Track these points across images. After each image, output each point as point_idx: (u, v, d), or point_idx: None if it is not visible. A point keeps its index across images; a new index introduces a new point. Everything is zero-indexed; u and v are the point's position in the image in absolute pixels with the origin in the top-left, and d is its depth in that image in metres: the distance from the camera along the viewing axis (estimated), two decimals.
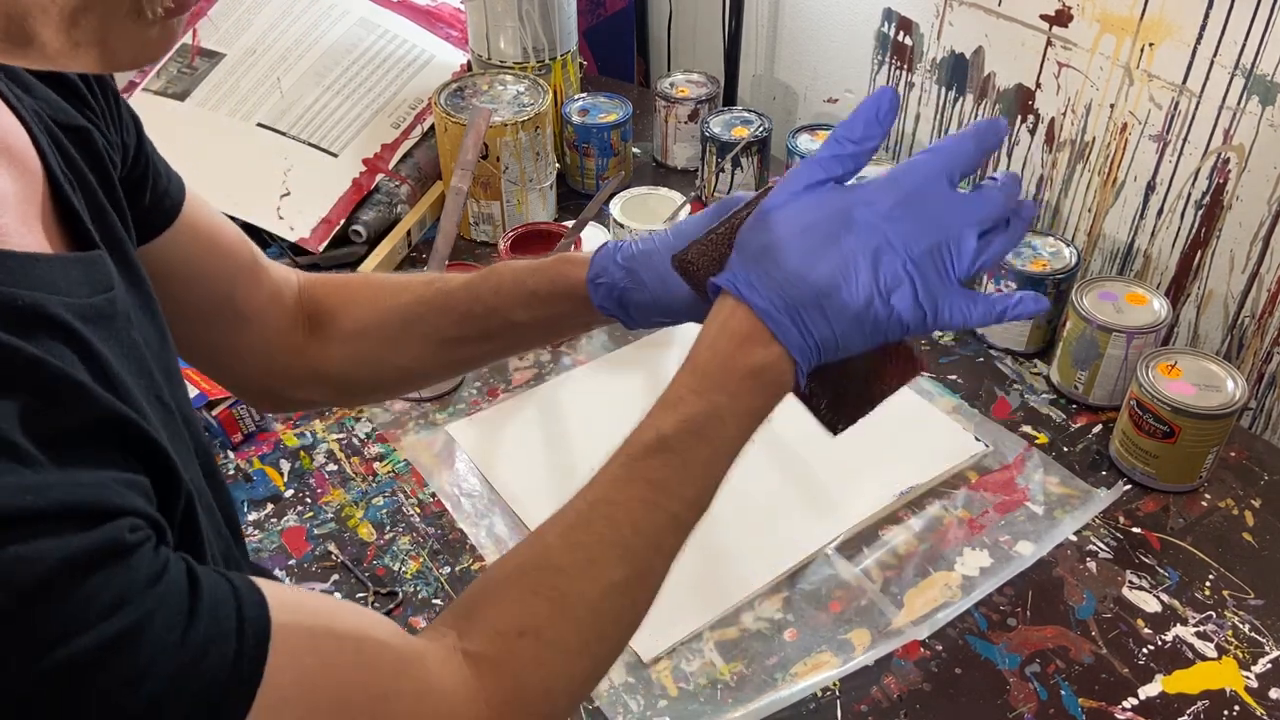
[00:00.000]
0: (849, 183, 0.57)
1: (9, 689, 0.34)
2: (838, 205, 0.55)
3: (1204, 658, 0.85)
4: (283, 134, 1.29)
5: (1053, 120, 1.23)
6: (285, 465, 1.02)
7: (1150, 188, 1.16)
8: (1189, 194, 1.13)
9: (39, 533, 0.35)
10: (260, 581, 0.43)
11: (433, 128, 1.33)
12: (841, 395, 0.62)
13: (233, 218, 1.25)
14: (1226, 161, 1.08)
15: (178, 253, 0.64)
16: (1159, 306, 1.05)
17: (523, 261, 0.70)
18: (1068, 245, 1.14)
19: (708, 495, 0.57)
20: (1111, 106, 1.16)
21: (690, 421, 0.55)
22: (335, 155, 1.30)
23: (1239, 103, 1.05)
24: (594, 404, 1.08)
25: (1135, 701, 0.82)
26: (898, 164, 0.57)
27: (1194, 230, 1.14)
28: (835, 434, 0.64)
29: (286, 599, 0.44)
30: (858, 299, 0.54)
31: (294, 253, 1.25)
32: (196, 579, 0.40)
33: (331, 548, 0.94)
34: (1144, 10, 1.09)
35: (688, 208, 1.22)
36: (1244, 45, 1.02)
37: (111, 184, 0.54)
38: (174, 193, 0.63)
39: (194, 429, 0.55)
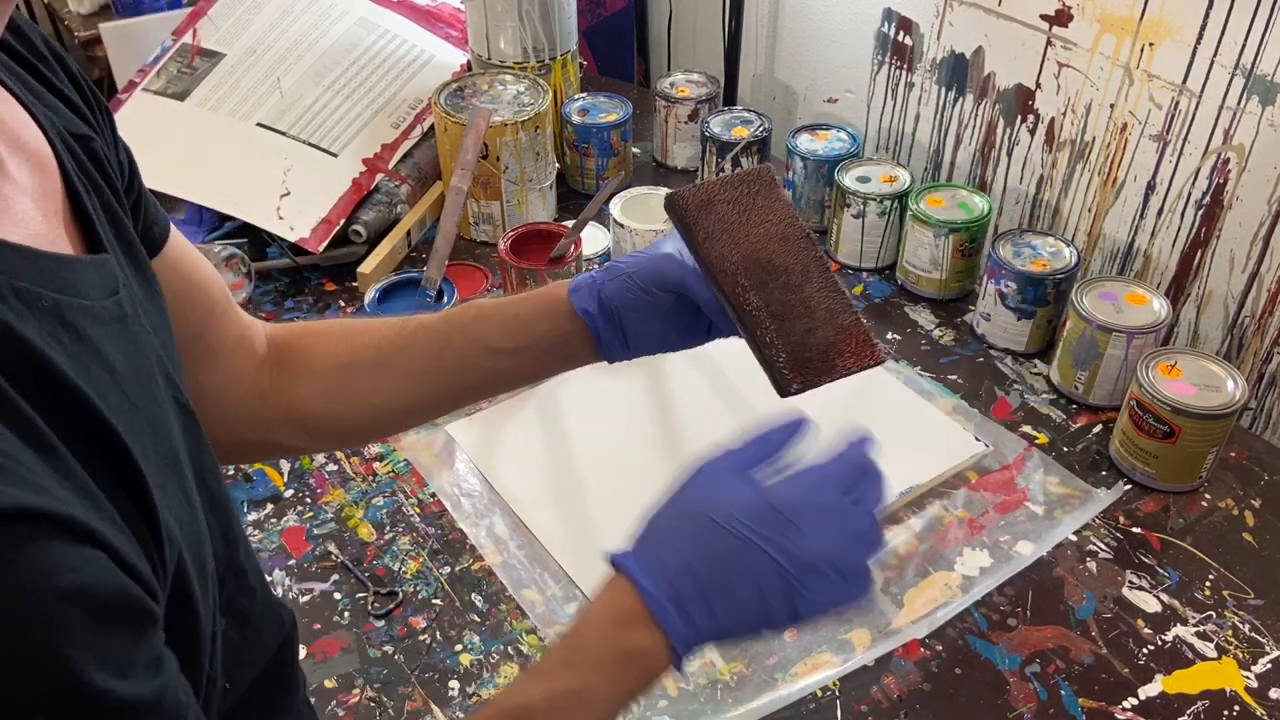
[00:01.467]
0: (770, 477, 0.58)
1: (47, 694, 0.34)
2: (744, 507, 0.55)
3: (1204, 658, 0.85)
4: (283, 134, 1.29)
5: (1053, 120, 1.23)
6: (285, 465, 1.02)
7: (1150, 188, 1.16)
8: (1189, 194, 1.13)
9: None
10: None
11: (433, 128, 1.33)
12: (799, 357, 0.64)
13: (233, 218, 1.26)
14: (1226, 161, 1.08)
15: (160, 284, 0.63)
16: (1159, 306, 1.05)
17: (507, 296, 0.70)
18: (1068, 245, 1.14)
19: None
20: (1111, 106, 1.16)
21: (557, 696, 0.53)
22: (335, 155, 1.30)
23: (1239, 103, 1.05)
24: (594, 404, 1.08)
25: (1135, 701, 0.82)
26: (798, 475, 0.58)
27: (1194, 230, 1.14)
28: (784, 395, 0.64)
29: None
30: (741, 602, 0.54)
31: (294, 253, 1.25)
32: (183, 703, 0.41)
33: (331, 548, 0.94)
34: (1144, 10, 1.09)
35: None
36: (1244, 45, 1.02)
37: (118, 194, 0.54)
38: (160, 225, 0.62)
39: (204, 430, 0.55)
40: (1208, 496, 0.99)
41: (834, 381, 0.65)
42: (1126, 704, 0.82)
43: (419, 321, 0.70)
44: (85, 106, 0.54)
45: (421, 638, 0.87)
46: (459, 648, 0.86)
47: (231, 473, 1.01)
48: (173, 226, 0.64)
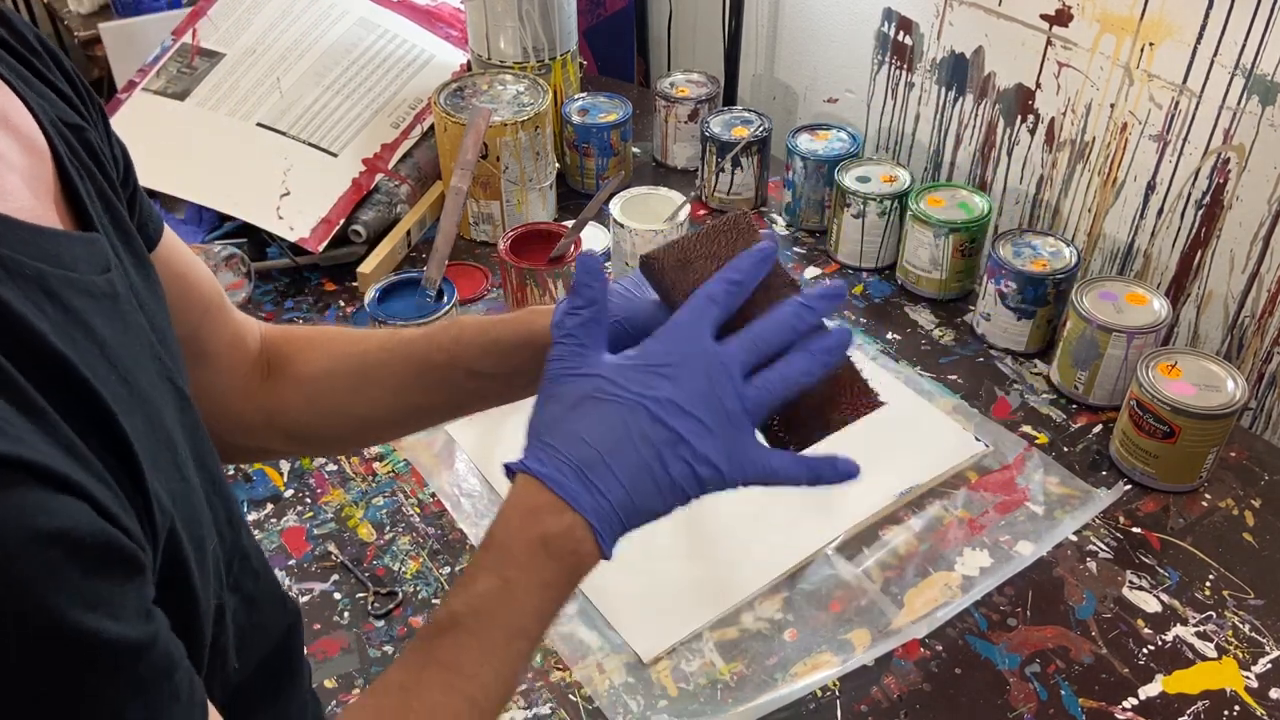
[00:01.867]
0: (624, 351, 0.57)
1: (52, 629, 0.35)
2: (612, 372, 0.55)
3: (1204, 658, 0.85)
4: (283, 134, 1.29)
5: (1053, 120, 1.23)
6: (285, 465, 1.02)
7: (1150, 188, 1.16)
8: (1189, 194, 1.13)
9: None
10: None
11: (432, 127, 1.33)
12: (794, 418, 0.62)
13: (233, 217, 1.26)
14: (1227, 161, 1.08)
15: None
16: (1159, 306, 1.05)
17: (488, 316, 0.69)
18: (1068, 245, 1.14)
19: (509, 677, 0.54)
20: (1111, 106, 1.16)
21: (480, 599, 0.53)
22: (335, 155, 1.29)
23: (1239, 103, 1.05)
24: None
25: (1135, 701, 0.82)
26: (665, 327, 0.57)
27: (1194, 230, 1.14)
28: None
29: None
30: (640, 459, 0.54)
31: (294, 253, 1.25)
32: (173, 656, 0.41)
33: (331, 548, 0.94)
34: (1144, 10, 1.09)
35: (688, 207, 1.22)
36: (1244, 45, 1.02)
37: (113, 184, 0.54)
38: (152, 225, 0.62)
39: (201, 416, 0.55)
40: (1208, 496, 0.99)
41: (834, 434, 0.63)
42: (1126, 704, 0.82)
43: (402, 337, 0.70)
44: (78, 99, 0.54)
45: None
46: None
47: (231, 472, 1.01)
48: (167, 226, 0.64)
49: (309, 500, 0.99)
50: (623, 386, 0.54)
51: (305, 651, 0.85)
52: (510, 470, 0.55)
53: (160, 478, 0.44)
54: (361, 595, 0.90)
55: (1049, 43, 1.20)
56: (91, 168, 0.51)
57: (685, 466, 0.54)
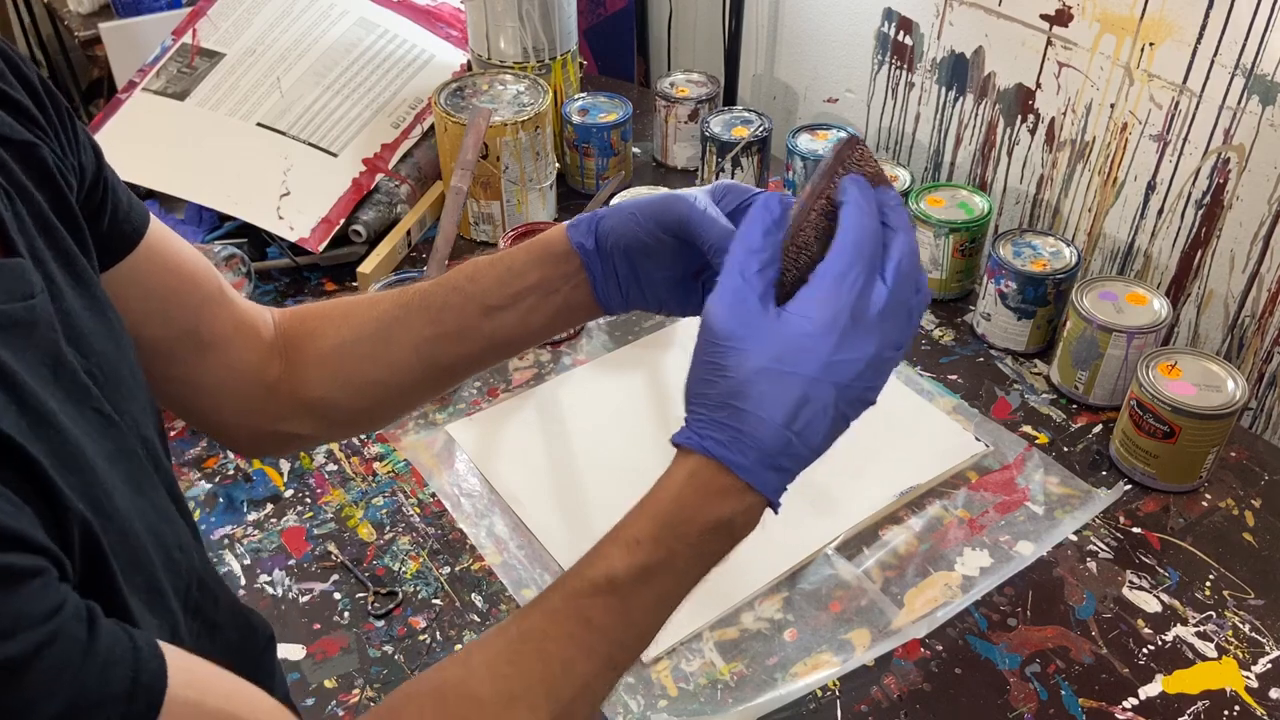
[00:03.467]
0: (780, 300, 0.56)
1: None
2: (785, 344, 0.52)
3: (1204, 658, 0.85)
4: (283, 134, 1.29)
5: (1053, 120, 1.23)
6: (285, 465, 1.02)
7: (1150, 187, 1.16)
8: (1189, 194, 1.13)
9: None
10: (169, 650, 0.42)
11: (433, 127, 1.33)
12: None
13: (233, 217, 1.26)
14: (1227, 161, 1.08)
15: (139, 281, 0.62)
16: (1159, 306, 1.05)
17: (502, 250, 0.68)
18: (1068, 245, 1.14)
19: (647, 640, 0.56)
20: (1112, 106, 1.16)
21: (644, 570, 0.53)
22: (335, 155, 1.29)
23: (1239, 102, 1.05)
24: (594, 404, 1.08)
25: (1135, 701, 0.82)
26: (827, 270, 0.54)
27: (1194, 230, 1.14)
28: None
29: (193, 674, 0.43)
30: (828, 429, 0.54)
31: (294, 252, 1.25)
32: (96, 625, 0.39)
33: (331, 548, 0.94)
34: (1144, 10, 1.09)
35: None
36: (1244, 45, 1.02)
37: (64, 201, 0.52)
38: (135, 220, 0.61)
39: (152, 447, 0.54)
40: (1208, 496, 0.99)
41: None
42: (1127, 704, 0.82)
43: (416, 289, 0.67)
44: (37, 109, 0.53)
45: (421, 638, 0.87)
46: (459, 648, 0.86)
47: (231, 473, 1.01)
48: (156, 220, 0.63)
49: (309, 500, 0.99)
50: (805, 359, 0.52)
51: (301, 657, 0.85)
52: (682, 444, 0.55)
53: (79, 500, 0.43)
54: (361, 595, 0.90)
55: (1049, 43, 1.20)
56: (28, 189, 0.50)
57: (861, 410, 0.55)
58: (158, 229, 0.63)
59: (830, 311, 0.52)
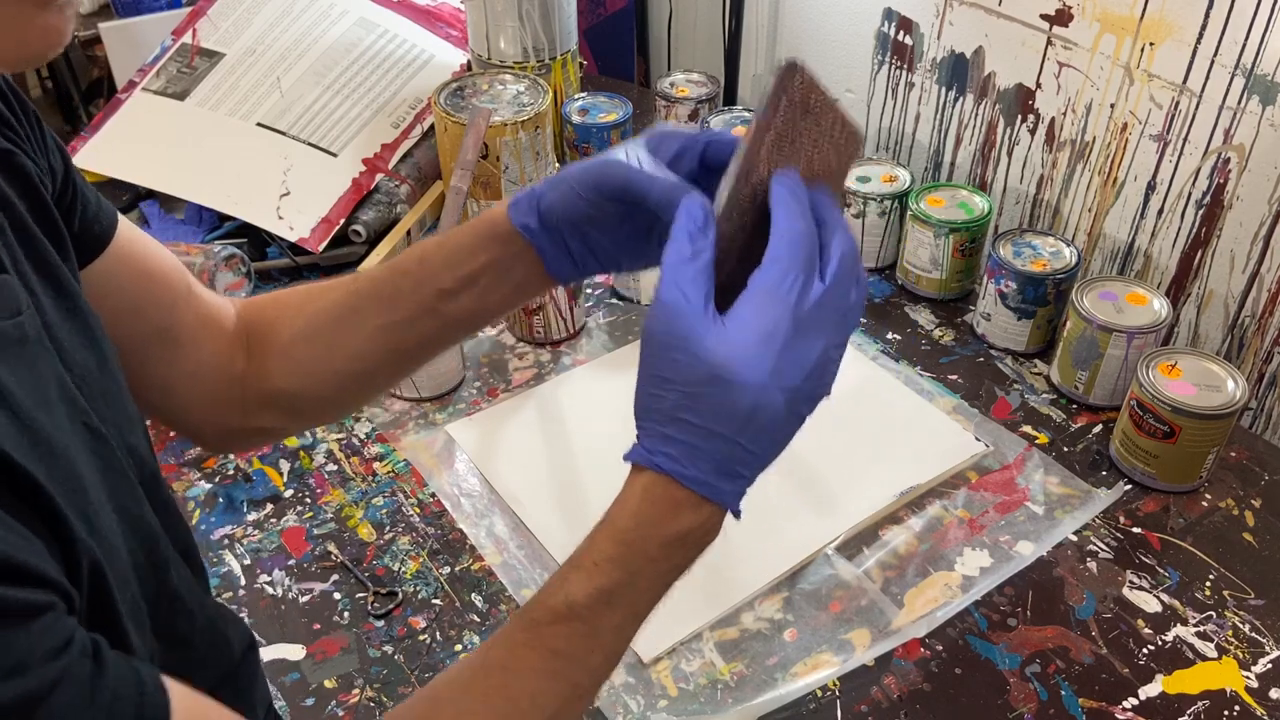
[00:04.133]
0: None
1: None
2: (728, 354, 0.50)
3: (1204, 658, 0.85)
4: (282, 134, 1.29)
5: (1053, 120, 1.23)
6: (285, 465, 1.02)
7: (1150, 187, 1.16)
8: (1189, 194, 1.13)
9: None
10: (172, 686, 0.42)
11: (432, 127, 1.33)
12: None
13: (233, 218, 1.26)
14: (1227, 161, 1.08)
15: (110, 283, 0.61)
16: (1159, 306, 1.05)
17: (448, 230, 0.66)
18: (1068, 245, 1.14)
19: (614, 661, 0.55)
20: (1112, 106, 1.16)
21: (605, 593, 0.52)
22: (335, 155, 1.29)
23: (1239, 102, 1.05)
24: (593, 404, 1.08)
25: (1135, 702, 0.82)
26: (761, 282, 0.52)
27: (1194, 230, 1.13)
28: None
29: (193, 710, 0.43)
30: (780, 435, 0.53)
31: (294, 252, 1.25)
32: (103, 660, 0.39)
33: (331, 548, 0.94)
34: (1144, 10, 1.09)
35: None
36: (1244, 45, 1.02)
37: (44, 207, 0.52)
38: (104, 221, 0.60)
39: (138, 455, 0.54)
40: (1208, 496, 0.99)
41: None
42: (1127, 704, 0.82)
43: (368, 276, 0.66)
44: (9, 113, 0.53)
45: (421, 638, 0.87)
46: (459, 648, 0.86)
47: (231, 473, 1.01)
48: (124, 220, 0.62)
49: (309, 500, 0.99)
50: (749, 369, 0.50)
51: (300, 657, 0.85)
52: (636, 460, 0.54)
53: (82, 528, 0.43)
54: (361, 595, 0.90)
55: (1049, 43, 1.19)
56: (9, 198, 0.50)
57: (815, 405, 0.54)
58: (126, 229, 0.62)
59: (770, 320, 0.51)
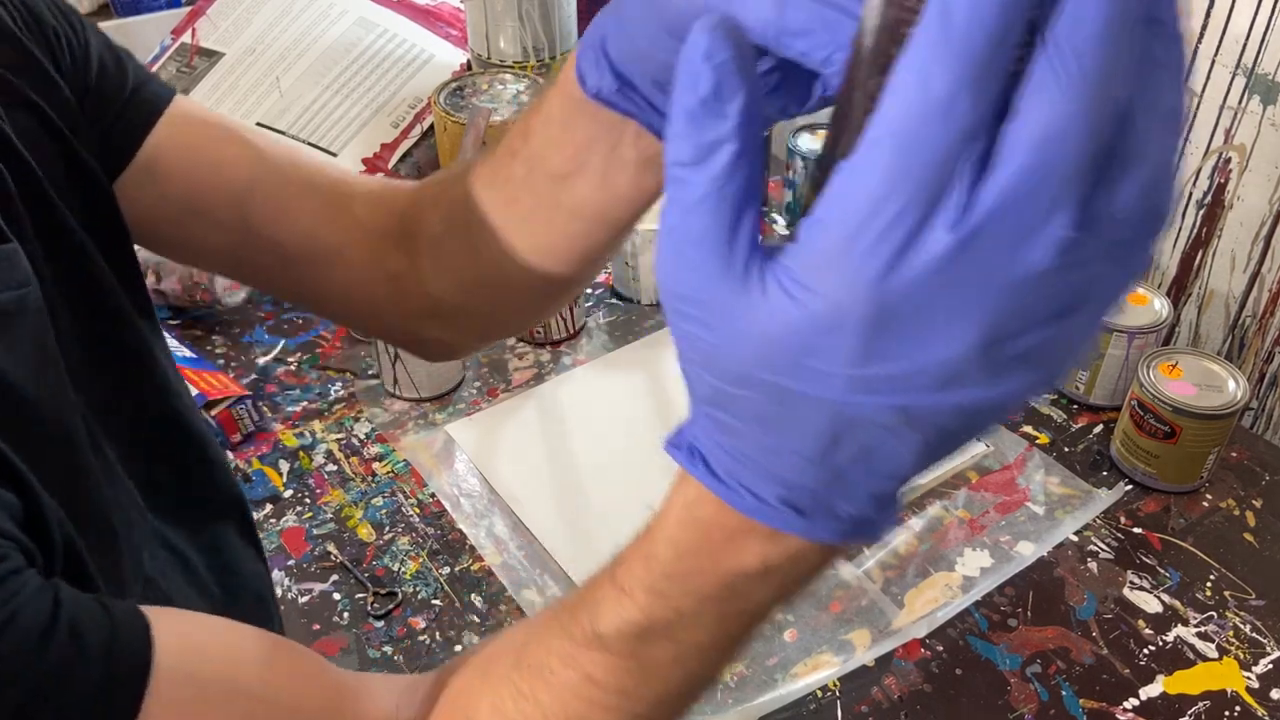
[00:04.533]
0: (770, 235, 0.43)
1: None
2: (770, 341, 0.29)
3: (1205, 658, 0.85)
4: (282, 133, 1.29)
5: None
6: (284, 465, 1.02)
7: None
8: (1190, 194, 1.12)
9: None
10: (155, 612, 0.38)
11: (432, 127, 1.32)
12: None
13: None
14: (1228, 161, 1.08)
15: (173, 150, 0.56)
16: (1160, 306, 1.05)
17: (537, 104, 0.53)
18: None
19: (690, 696, 0.40)
20: None
21: (640, 628, 0.37)
22: (334, 155, 1.29)
23: (1240, 102, 1.05)
24: (594, 404, 1.08)
25: (1136, 702, 0.82)
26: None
27: (1195, 230, 1.13)
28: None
29: (182, 630, 0.39)
30: (903, 462, 0.32)
31: None
32: (60, 600, 0.36)
33: (331, 548, 0.94)
34: None
35: None
36: (1245, 45, 1.02)
37: (73, 152, 0.50)
38: (144, 110, 0.55)
39: (143, 424, 0.53)
40: (1209, 497, 0.99)
41: None
42: (1127, 704, 0.82)
43: (484, 163, 0.54)
44: (48, 42, 0.50)
45: (421, 638, 0.87)
46: (459, 648, 0.86)
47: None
48: (188, 107, 0.58)
49: (308, 500, 0.99)
50: (808, 373, 0.28)
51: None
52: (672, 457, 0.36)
53: (58, 494, 0.42)
54: (361, 595, 0.90)
55: None
56: (26, 161, 0.48)
57: (971, 437, 0.33)
58: (187, 102, 0.58)
59: (842, 283, 0.27)
